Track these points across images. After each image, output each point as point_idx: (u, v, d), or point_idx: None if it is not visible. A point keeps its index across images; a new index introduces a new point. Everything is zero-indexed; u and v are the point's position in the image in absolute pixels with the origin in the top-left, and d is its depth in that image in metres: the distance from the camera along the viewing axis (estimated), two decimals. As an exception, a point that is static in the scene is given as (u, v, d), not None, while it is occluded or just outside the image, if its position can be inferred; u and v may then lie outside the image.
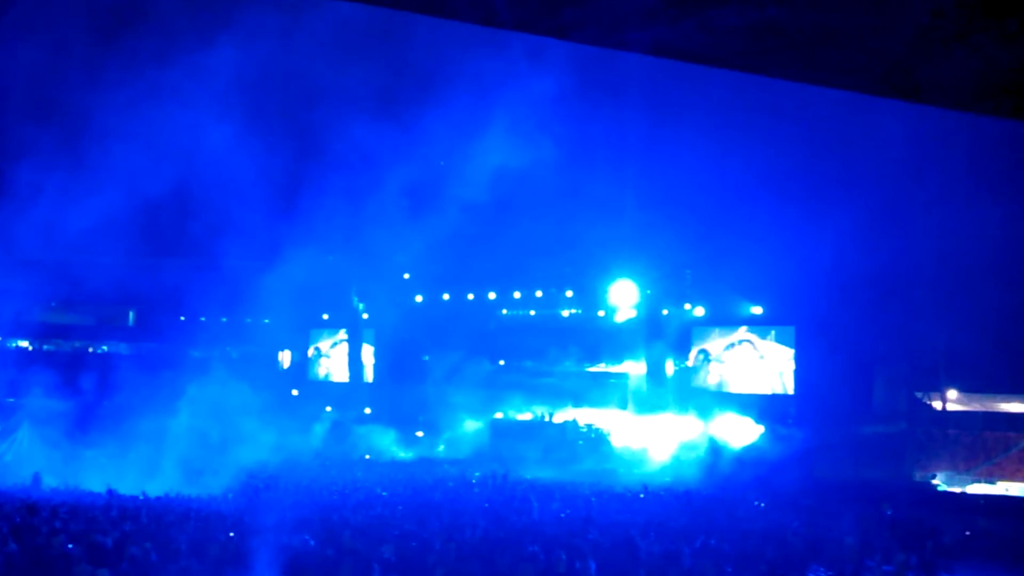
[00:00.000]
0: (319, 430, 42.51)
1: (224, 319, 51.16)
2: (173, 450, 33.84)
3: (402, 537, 17.96)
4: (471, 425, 42.92)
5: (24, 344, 52.51)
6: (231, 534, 17.95)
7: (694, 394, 39.92)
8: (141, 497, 26.88)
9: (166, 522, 20.13)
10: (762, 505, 25.78)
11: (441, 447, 42.47)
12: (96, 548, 16.37)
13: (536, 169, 34.41)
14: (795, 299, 36.27)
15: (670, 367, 41.25)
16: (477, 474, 34.81)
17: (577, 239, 38.95)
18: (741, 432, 36.88)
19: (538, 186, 35.49)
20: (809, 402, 36.00)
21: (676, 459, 37.47)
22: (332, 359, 52.60)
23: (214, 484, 29.21)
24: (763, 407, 37.47)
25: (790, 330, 38.05)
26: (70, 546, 16.36)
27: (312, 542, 16.97)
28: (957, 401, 34.76)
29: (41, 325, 51.40)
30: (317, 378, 52.92)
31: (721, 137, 36.24)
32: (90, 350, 53.77)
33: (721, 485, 29.01)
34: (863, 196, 33.30)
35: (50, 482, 30.51)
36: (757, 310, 39.07)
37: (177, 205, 37.28)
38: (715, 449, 35.68)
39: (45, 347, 52.73)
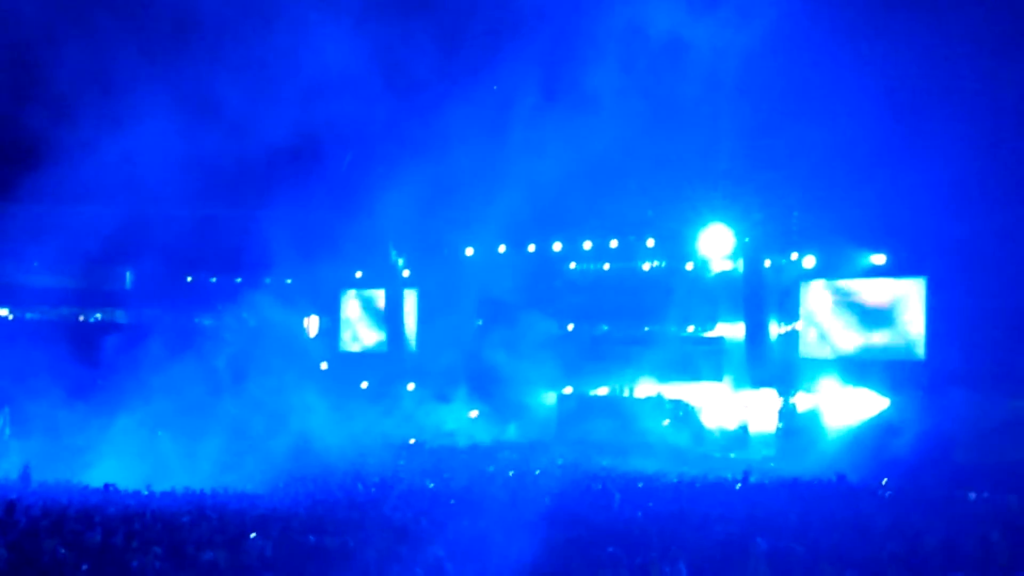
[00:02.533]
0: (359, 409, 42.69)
1: (239, 279, 51.54)
2: (180, 438, 34.27)
3: (452, 538, 18.00)
4: (535, 403, 43.00)
5: (2, 312, 53.31)
6: (252, 535, 18.10)
7: (803, 362, 39.61)
8: (145, 493, 27.27)
9: (175, 523, 20.36)
10: (888, 495, 25.56)
11: (500, 429, 42.58)
12: (93, 553, 16.59)
13: (608, 91, 34.17)
14: (927, 245, 35.74)
15: (774, 330, 40.92)
16: (543, 460, 34.92)
17: (660, 176, 38.61)
18: (859, 407, 36.60)
19: (611, 113, 35.18)
20: (945, 370, 35.49)
21: (781, 440, 37.35)
22: (367, 325, 52.80)
23: (229, 477, 29.51)
24: (887, 376, 37.09)
25: (920, 282, 37.53)
26: (62, 551, 16.59)
27: (351, 543, 17.08)
28: None
29: (22, 289, 52.05)
30: (349, 348, 53.17)
31: (834, 45, 35.54)
32: (80, 318, 54.47)
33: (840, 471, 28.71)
34: (1014, 114, 32.65)
35: (39, 476, 30.97)
36: (879, 259, 38.53)
37: (181, 145, 37.49)
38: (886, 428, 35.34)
39: (27, 315, 53.46)
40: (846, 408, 36.88)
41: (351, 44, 35.07)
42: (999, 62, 33.61)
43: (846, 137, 34.32)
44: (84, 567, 15.72)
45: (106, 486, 27.98)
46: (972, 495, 25.06)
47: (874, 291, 38.47)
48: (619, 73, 34.79)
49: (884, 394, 36.46)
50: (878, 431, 34.35)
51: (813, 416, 37.49)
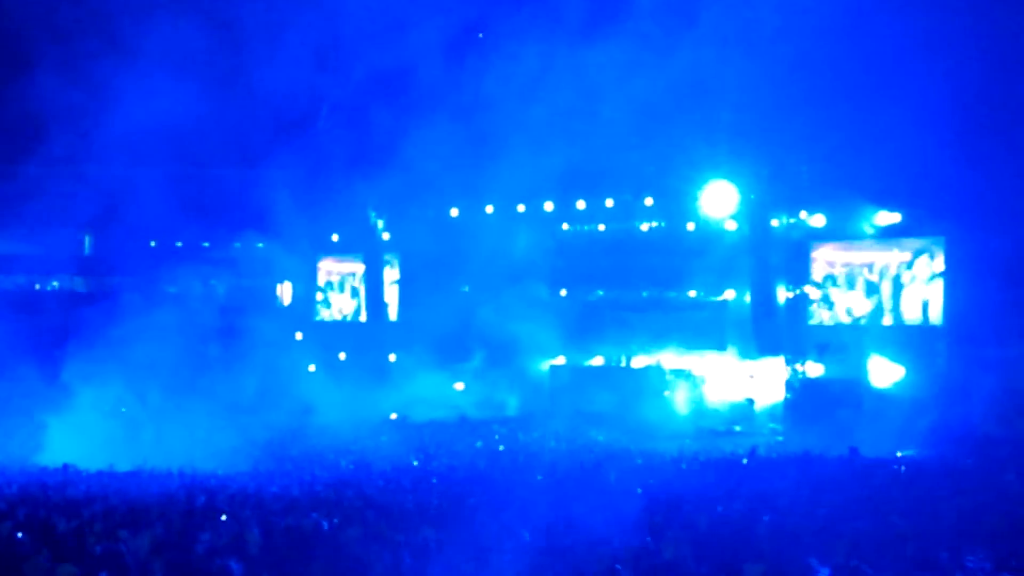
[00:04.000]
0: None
1: (206, 244, 51.42)
2: (146, 413, 34.29)
3: (437, 517, 18.08)
4: (526, 374, 43.06)
5: (-48, 282, 53.20)
6: (223, 517, 18.15)
7: (813, 329, 39.68)
8: (108, 472, 27.31)
9: (141, 503, 20.40)
10: (903, 469, 25.69)
11: (489, 401, 42.62)
12: (52, 536, 16.62)
13: (602, 39, 34.08)
14: (945, 202, 35.73)
15: (782, 294, 40.95)
16: (534, 435, 35.02)
17: (659, 129, 38.46)
18: (873, 376, 36.72)
19: (603, 60, 35.06)
20: (964, 337, 35.60)
21: (789, 412, 37.46)
22: (343, 293, 52.73)
23: (198, 454, 29.54)
24: (903, 343, 37.18)
25: (938, 243, 37.58)
26: (19, 535, 16.61)
27: (325, 524, 17.13)
28: None
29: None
30: (325, 317, 53.08)
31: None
32: (36, 287, 54.34)
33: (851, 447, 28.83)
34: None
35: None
36: (894, 218, 38.56)
37: (144, 100, 37.37)
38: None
39: (-20, 284, 53.35)
40: (858, 377, 36.97)
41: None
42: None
43: (858, 86, 34.29)
44: (44, 552, 15.74)
45: (65, 466, 28.02)
46: (991, 466, 25.20)
47: (888, 252, 38.52)
48: (615, 20, 34.71)
49: (900, 362, 36.57)
50: (893, 401, 34.50)
51: (823, 386, 37.57)
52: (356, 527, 17.16)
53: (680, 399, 40.32)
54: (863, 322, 38.95)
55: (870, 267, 38.90)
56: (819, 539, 16.58)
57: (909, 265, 38.06)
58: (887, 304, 38.55)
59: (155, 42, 36.15)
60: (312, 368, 43.23)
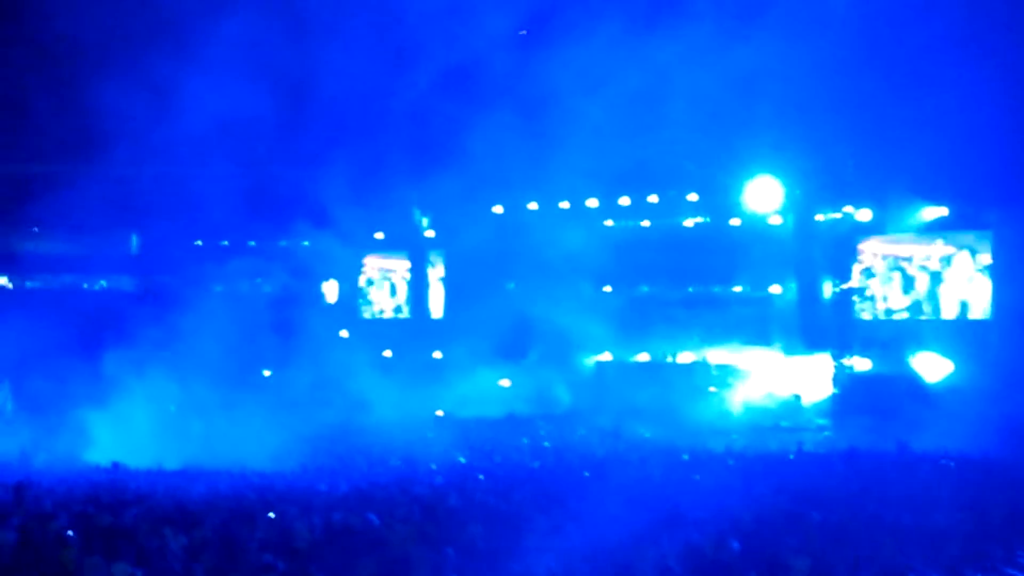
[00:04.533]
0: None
1: (252, 243, 51.69)
2: (193, 412, 34.54)
3: (485, 515, 18.13)
4: (572, 370, 43.05)
5: (1, 281, 53.65)
6: (271, 515, 18.27)
7: (859, 324, 39.51)
8: (156, 471, 27.54)
9: (190, 502, 20.56)
10: (952, 464, 25.55)
11: (534, 398, 42.63)
12: (103, 535, 16.78)
13: (644, 33, 34.03)
14: (992, 196, 35.50)
15: (827, 289, 40.79)
16: (580, 432, 35.04)
17: (702, 125, 38.33)
18: (922, 371, 36.54)
19: (648, 56, 35.01)
20: (1013, 331, 35.36)
21: (837, 408, 37.33)
22: (384, 290, 52.85)
23: (246, 452, 29.72)
24: (951, 338, 36.97)
25: (986, 236, 37.32)
26: (70, 533, 16.77)
27: (372, 522, 17.20)
28: None
29: (21, 256, 52.36)
30: (371, 314, 53.23)
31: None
32: (84, 286, 54.76)
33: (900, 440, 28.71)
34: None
35: (43, 455, 31.25)
36: (941, 212, 38.32)
37: (189, 100, 37.62)
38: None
39: (28, 284, 53.79)
40: (907, 373, 36.80)
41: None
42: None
43: (904, 79, 34.05)
44: (95, 549, 15.90)
45: (114, 465, 28.27)
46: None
47: (935, 246, 38.31)
48: (659, 16, 34.64)
49: (948, 357, 36.36)
50: (942, 396, 34.32)
51: (870, 382, 37.41)
52: (402, 525, 17.24)
53: (726, 395, 40.23)
54: (910, 317, 38.73)
55: (917, 261, 38.67)
56: (866, 534, 16.54)
57: (954, 259, 37.82)
58: (934, 298, 38.33)
59: (203, 39, 36.40)
60: (362, 365, 43.27)
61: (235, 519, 18.10)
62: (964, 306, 37.66)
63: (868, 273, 39.76)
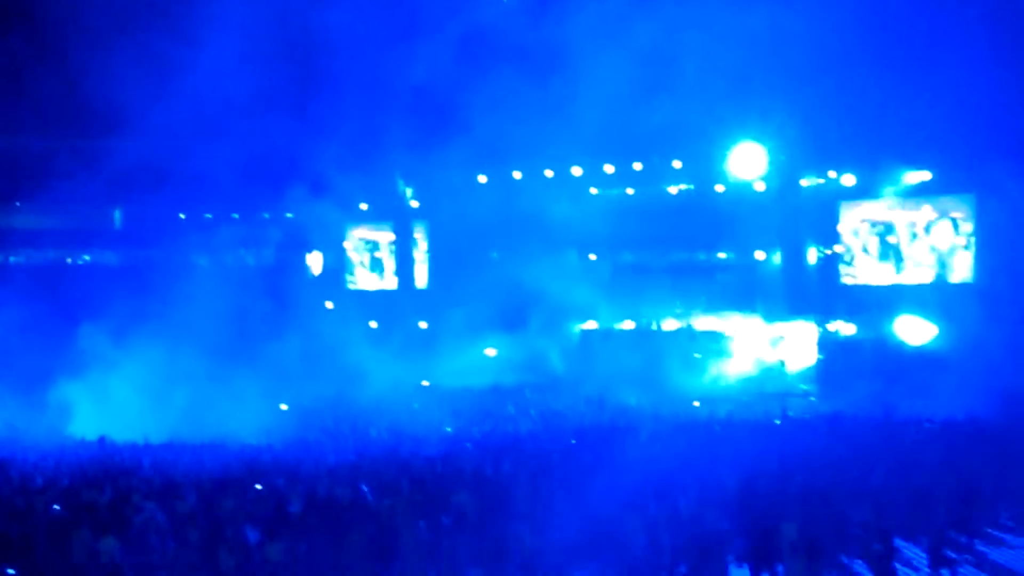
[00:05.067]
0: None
1: (235, 215, 51.56)
2: (180, 386, 34.50)
3: (474, 482, 18.19)
4: (557, 339, 43.07)
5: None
6: (257, 486, 18.31)
7: (843, 289, 39.56)
8: (142, 445, 27.54)
9: (176, 475, 20.60)
10: (936, 427, 25.68)
11: (520, 366, 42.66)
12: (91, 510, 16.81)
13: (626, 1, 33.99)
14: (975, 160, 35.49)
15: (812, 255, 40.84)
16: (566, 400, 35.10)
17: (684, 91, 38.21)
18: (905, 335, 36.64)
19: (629, 20, 34.92)
20: (995, 294, 35.42)
21: (821, 372, 37.45)
22: (374, 261, 52.76)
23: (232, 424, 29.75)
24: (935, 302, 37.04)
25: (969, 200, 37.36)
26: (56, 507, 16.80)
27: (368, 492, 17.24)
28: None
29: (5, 231, 52.18)
30: (356, 286, 53.13)
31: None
32: (68, 261, 54.59)
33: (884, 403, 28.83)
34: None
35: (28, 430, 31.22)
36: (924, 176, 38.34)
37: (168, 74, 37.49)
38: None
39: (12, 259, 53.60)
40: (890, 337, 36.89)
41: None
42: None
43: (886, 43, 34.00)
44: (82, 524, 15.93)
45: (101, 439, 28.28)
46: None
47: (919, 210, 38.34)
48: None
49: (932, 321, 36.45)
50: (925, 360, 34.43)
51: (855, 347, 37.51)
52: (391, 495, 17.29)
53: (711, 361, 40.31)
54: (893, 281, 38.79)
55: (901, 226, 38.71)
56: (853, 499, 16.64)
57: (937, 224, 37.86)
58: (918, 262, 38.39)
59: (185, 13, 36.30)
60: (348, 337, 43.23)
61: (221, 492, 18.14)
62: (947, 269, 37.73)
63: (852, 238, 39.76)
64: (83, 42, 35.81)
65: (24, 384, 35.52)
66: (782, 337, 39.83)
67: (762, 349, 39.96)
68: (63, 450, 27.08)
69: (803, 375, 38.80)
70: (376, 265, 52.73)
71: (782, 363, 39.43)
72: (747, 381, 39.10)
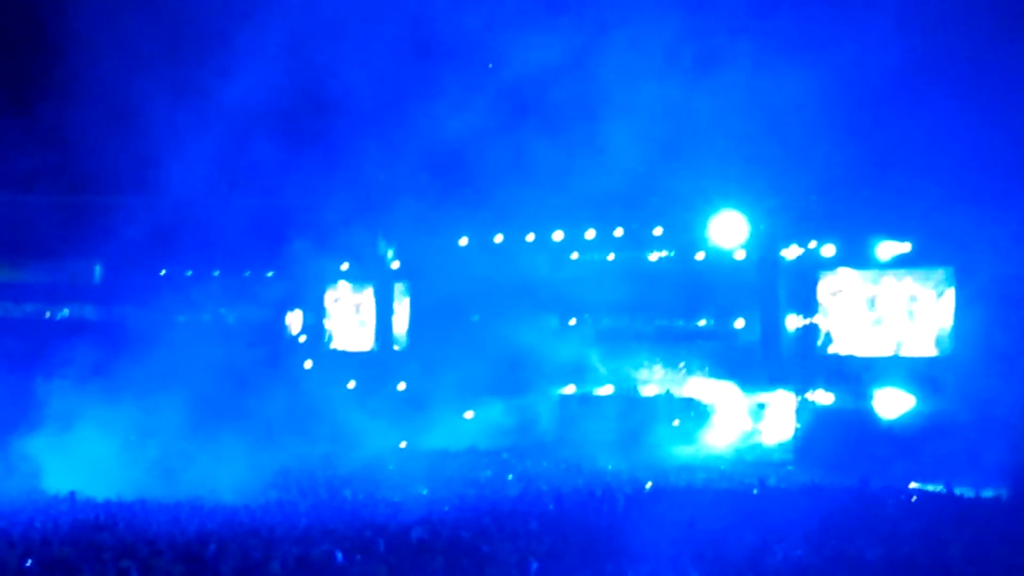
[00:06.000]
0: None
1: (216, 273, 51.53)
2: (156, 444, 34.34)
3: (450, 546, 18.08)
4: (535, 403, 43.02)
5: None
6: (229, 546, 18.16)
7: (822, 359, 39.63)
8: (115, 501, 27.34)
9: (150, 532, 20.42)
10: (915, 500, 25.67)
11: (498, 430, 42.56)
12: (61, 566, 16.65)
13: (607, 66, 34.20)
14: (954, 233, 35.67)
15: (791, 324, 40.92)
16: (544, 464, 35.01)
17: (667, 159, 38.44)
18: (883, 407, 36.64)
19: (611, 89, 35.17)
20: (973, 366, 35.48)
21: (799, 442, 37.41)
22: (354, 321, 52.74)
23: (207, 484, 29.58)
24: (912, 373, 37.09)
25: (949, 272, 37.49)
26: (28, 563, 16.65)
27: (339, 555, 17.11)
28: None
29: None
30: (335, 346, 53.05)
31: (852, 13, 35.50)
32: (47, 315, 54.48)
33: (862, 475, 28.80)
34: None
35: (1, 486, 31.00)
36: (904, 247, 38.48)
37: (151, 128, 37.56)
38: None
39: (-11, 313, 53.50)
40: (868, 408, 36.89)
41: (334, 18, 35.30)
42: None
43: (867, 117, 34.32)
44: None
45: (71, 495, 28.08)
46: (1003, 497, 25.20)
47: (898, 282, 38.49)
48: (624, 50, 34.84)
49: (909, 392, 36.49)
50: (903, 431, 34.43)
51: (833, 416, 37.49)
52: (366, 557, 17.17)
53: (690, 428, 40.26)
54: (872, 352, 38.86)
55: (880, 297, 38.83)
56: (830, 569, 16.58)
57: (919, 295, 37.98)
58: (897, 333, 38.49)
59: (166, 65, 36.47)
60: (326, 396, 43.11)
61: (194, 551, 17.99)
62: (925, 341, 37.82)
63: (831, 308, 39.86)
64: (65, 99, 35.89)
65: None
66: (761, 405, 39.83)
67: (740, 417, 39.95)
68: (35, 505, 26.88)
69: (781, 444, 38.75)
70: (356, 325, 52.70)
71: (760, 431, 39.40)
72: (725, 449, 39.05)
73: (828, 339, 39.92)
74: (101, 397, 35.31)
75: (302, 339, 53.42)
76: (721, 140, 36.24)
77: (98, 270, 55.57)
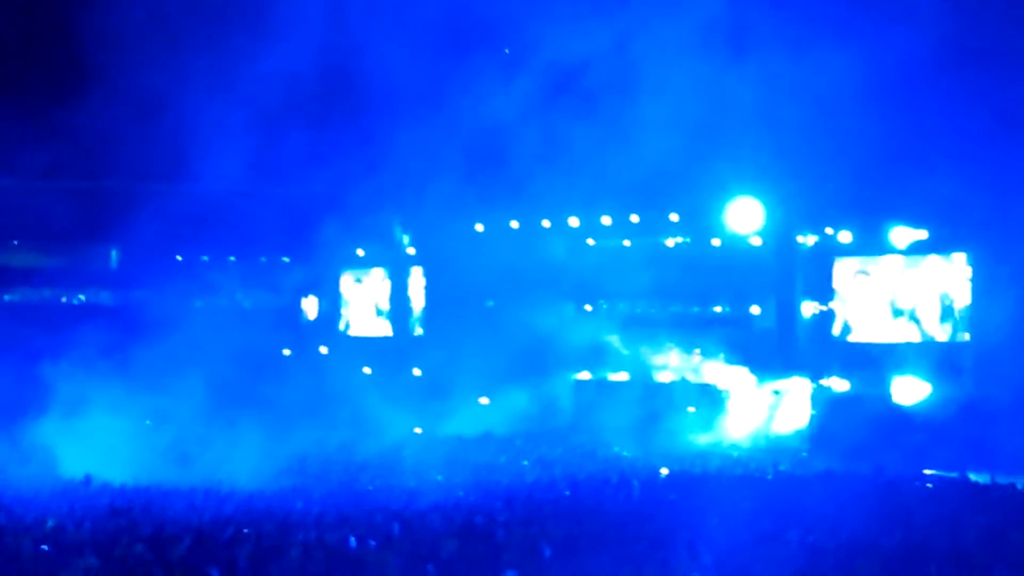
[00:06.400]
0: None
1: (232, 258, 51.58)
2: (171, 429, 34.40)
3: (465, 531, 18.10)
4: (551, 388, 42.99)
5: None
6: (244, 531, 18.20)
7: (838, 345, 39.53)
8: (130, 486, 27.39)
9: (165, 516, 20.48)
10: (931, 486, 25.61)
11: (514, 416, 42.54)
12: (76, 550, 16.70)
13: (627, 51, 34.12)
14: (971, 218, 35.55)
15: (807, 310, 40.82)
16: (559, 451, 34.99)
17: (683, 146, 38.32)
18: (899, 394, 36.56)
19: (630, 75, 35.08)
20: (991, 352, 35.36)
21: (814, 429, 37.34)
22: (369, 306, 52.70)
23: (223, 470, 29.61)
24: (929, 360, 36.98)
25: (965, 258, 37.32)
26: (44, 547, 16.71)
27: (353, 540, 17.13)
28: None
29: (1, 270, 52.19)
30: (350, 331, 53.03)
31: None
32: (63, 300, 54.59)
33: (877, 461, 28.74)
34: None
35: (19, 470, 31.04)
36: (920, 234, 38.34)
37: (167, 115, 37.59)
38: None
39: (6, 297, 53.61)
40: (884, 395, 36.81)
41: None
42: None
43: (884, 102, 34.16)
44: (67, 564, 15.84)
45: (87, 479, 28.13)
46: (1019, 483, 25.10)
47: (915, 268, 38.33)
48: (641, 35, 34.75)
49: (926, 379, 36.39)
50: (920, 419, 34.36)
51: (848, 403, 37.42)
52: (380, 542, 17.18)
53: (705, 415, 40.20)
54: (888, 338, 38.73)
55: (897, 283, 38.68)
56: (844, 556, 16.55)
57: (936, 281, 37.80)
58: (913, 320, 38.36)
59: (173, 52, 36.49)
60: (342, 382, 43.10)
61: (208, 536, 18.02)
62: (942, 328, 37.67)
63: (847, 294, 39.75)
64: (82, 84, 35.94)
65: (13, 423, 35.42)
66: (776, 392, 39.74)
67: (756, 404, 39.87)
68: (51, 490, 26.94)
69: (796, 431, 38.66)
70: (371, 311, 52.66)
71: (775, 418, 39.32)
72: (740, 435, 39.00)
73: (844, 325, 39.80)
74: (117, 382, 35.37)
75: (318, 325, 53.47)
76: (738, 126, 36.12)
77: (114, 256, 55.71)
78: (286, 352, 42.55)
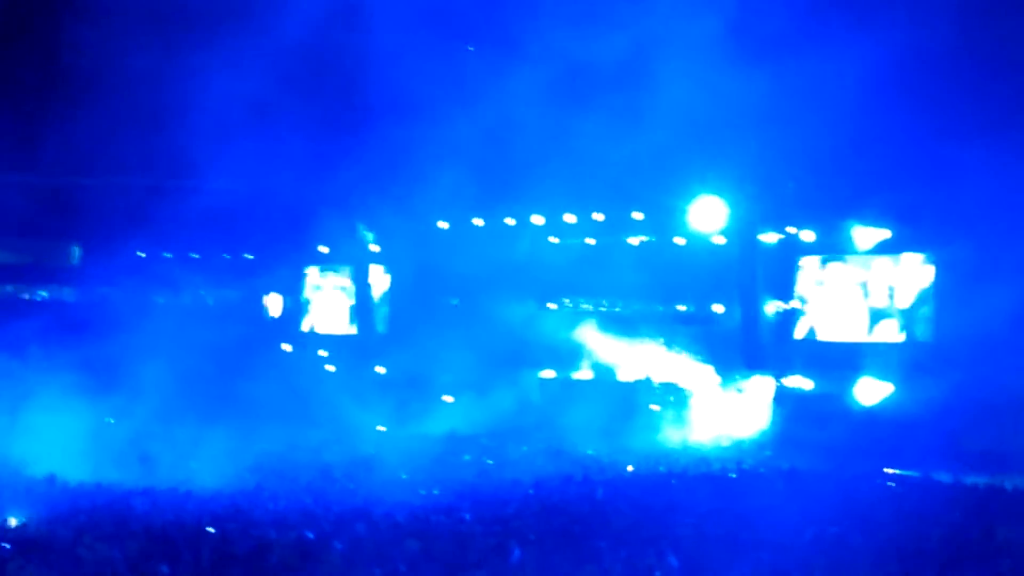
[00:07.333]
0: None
1: (195, 255, 51.35)
2: (133, 426, 34.18)
3: (430, 528, 18.09)
4: (515, 387, 42.97)
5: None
6: (209, 529, 18.12)
7: (800, 345, 39.70)
8: (92, 485, 27.22)
9: (128, 516, 20.36)
10: (893, 485, 25.75)
11: (477, 415, 42.53)
12: (39, 549, 16.60)
13: (589, 50, 34.15)
14: (935, 219, 35.74)
15: (769, 309, 40.97)
16: (523, 449, 34.98)
17: (647, 143, 38.40)
18: (861, 393, 36.73)
19: (591, 73, 35.12)
20: (953, 352, 35.57)
21: (778, 428, 37.47)
22: (333, 304, 52.59)
23: (185, 470, 29.46)
24: (891, 360, 37.18)
25: (927, 259, 37.54)
26: (6, 545, 16.59)
27: (311, 536, 17.09)
28: None
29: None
30: (314, 329, 52.96)
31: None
32: (25, 297, 54.25)
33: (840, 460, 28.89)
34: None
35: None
36: (883, 233, 38.54)
37: (130, 108, 37.39)
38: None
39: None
40: (846, 394, 36.97)
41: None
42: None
43: (847, 101, 34.30)
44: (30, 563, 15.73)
45: (50, 477, 27.94)
46: (981, 483, 25.29)
47: (877, 268, 38.54)
48: (604, 34, 34.79)
49: (888, 379, 36.57)
50: (883, 418, 34.53)
51: (812, 402, 37.57)
52: (344, 540, 17.15)
53: (668, 413, 40.26)
54: (851, 338, 38.92)
55: (859, 283, 38.88)
56: (807, 553, 16.61)
57: (898, 281, 38.01)
58: (875, 320, 38.56)
59: (149, 49, 36.30)
60: (305, 380, 43.03)
61: (172, 535, 17.95)
62: (904, 328, 37.89)
63: (810, 294, 39.93)
64: (42, 79, 35.74)
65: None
66: (739, 391, 39.86)
67: (720, 402, 39.97)
68: (13, 489, 26.73)
69: (760, 430, 38.78)
70: (335, 309, 52.59)
71: (739, 417, 39.43)
72: (704, 434, 39.07)
73: (808, 325, 39.98)
74: (78, 379, 35.13)
75: (282, 322, 53.34)
76: (702, 125, 36.22)
77: (75, 252, 55.43)
78: (250, 350, 42.29)
